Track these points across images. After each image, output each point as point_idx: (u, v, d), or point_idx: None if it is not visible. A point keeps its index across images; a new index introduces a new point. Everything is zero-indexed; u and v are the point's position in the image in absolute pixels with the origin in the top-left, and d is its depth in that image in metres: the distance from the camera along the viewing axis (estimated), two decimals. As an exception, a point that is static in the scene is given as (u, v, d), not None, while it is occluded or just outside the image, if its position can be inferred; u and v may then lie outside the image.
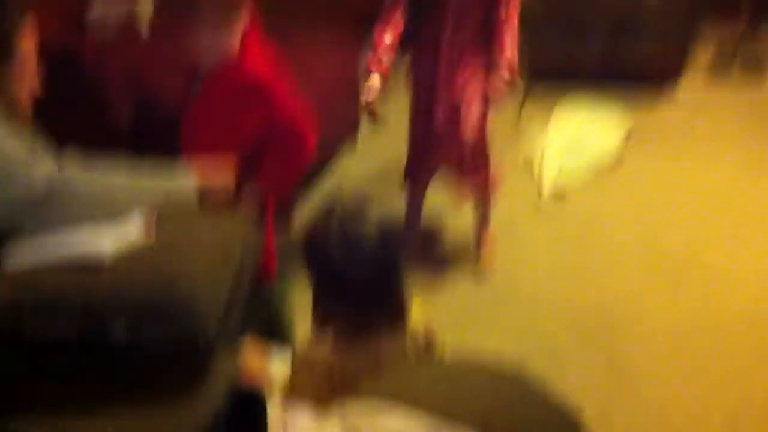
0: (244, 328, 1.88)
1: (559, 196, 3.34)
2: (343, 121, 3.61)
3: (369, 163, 3.53)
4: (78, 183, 1.71)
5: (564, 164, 3.39)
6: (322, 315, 1.60)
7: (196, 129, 2.22)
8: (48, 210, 1.66)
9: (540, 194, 3.34)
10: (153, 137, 3.09)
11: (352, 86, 3.52)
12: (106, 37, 3.35)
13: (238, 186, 2.07)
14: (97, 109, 2.97)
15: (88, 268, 1.59)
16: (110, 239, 1.64)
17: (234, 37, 2.09)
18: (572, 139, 3.46)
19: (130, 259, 1.64)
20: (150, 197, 1.79)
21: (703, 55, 4.26)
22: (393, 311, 1.59)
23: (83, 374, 1.57)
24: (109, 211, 1.72)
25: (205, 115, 2.19)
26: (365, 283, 1.55)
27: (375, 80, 2.71)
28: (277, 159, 2.18)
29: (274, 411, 1.25)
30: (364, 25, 3.35)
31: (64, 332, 1.55)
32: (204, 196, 1.93)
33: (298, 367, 1.57)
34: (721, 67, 4.16)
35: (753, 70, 4.09)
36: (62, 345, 1.55)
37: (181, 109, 2.32)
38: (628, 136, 3.57)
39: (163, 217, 1.78)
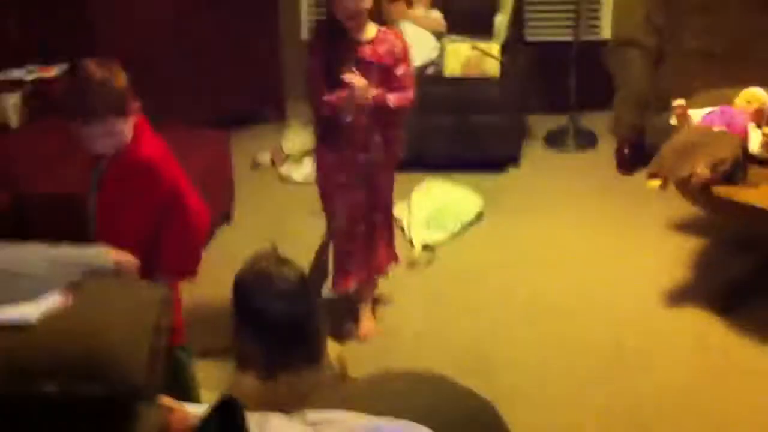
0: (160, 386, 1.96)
1: (429, 251, 3.59)
2: (216, 205, 3.79)
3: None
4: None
5: (430, 223, 3.68)
6: (239, 353, 1.73)
7: (101, 213, 2.29)
8: None
9: (412, 248, 3.59)
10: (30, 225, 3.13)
11: (221, 179, 3.80)
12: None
13: (144, 266, 2.17)
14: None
15: (15, 330, 1.66)
16: (34, 306, 1.71)
17: (126, 126, 2.21)
18: (436, 201, 3.77)
19: (55, 321, 1.72)
20: (68, 269, 1.89)
21: (540, 133, 4.80)
22: (311, 349, 1.75)
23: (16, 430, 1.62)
24: (30, 282, 1.79)
25: (106, 199, 2.29)
26: (278, 325, 1.71)
27: None
28: (178, 237, 2.29)
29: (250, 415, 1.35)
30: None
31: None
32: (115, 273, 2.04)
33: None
34: (556, 141, 4.70)
35: (583, 144, 4.69)
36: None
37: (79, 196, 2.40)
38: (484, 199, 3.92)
39: (82, 284, 1.87)
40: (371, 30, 2.81)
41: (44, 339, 1.66)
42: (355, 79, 2.72)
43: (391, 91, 2.80)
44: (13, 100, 3.55)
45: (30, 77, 3.83)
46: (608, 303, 3.17)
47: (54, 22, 4.14)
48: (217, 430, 1.21)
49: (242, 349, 1.72)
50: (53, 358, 1.65)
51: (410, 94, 2.85)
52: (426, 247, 3.58)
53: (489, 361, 2.87)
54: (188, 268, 2.38)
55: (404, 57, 2.85)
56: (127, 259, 2.09)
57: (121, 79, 2.20)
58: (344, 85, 2.74)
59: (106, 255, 2.02)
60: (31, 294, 1.77)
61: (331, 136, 2.91)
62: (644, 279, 3.32)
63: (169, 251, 2.30)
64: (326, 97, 2.78)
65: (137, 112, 2.25)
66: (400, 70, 2.82)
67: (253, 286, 1.71)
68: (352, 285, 3.01)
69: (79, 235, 2.19)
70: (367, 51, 2.79)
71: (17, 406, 1.58)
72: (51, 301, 1.76)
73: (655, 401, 2.67)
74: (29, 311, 1.68)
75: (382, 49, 2.80)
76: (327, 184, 3.00)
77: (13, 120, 3.52)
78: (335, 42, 2.79)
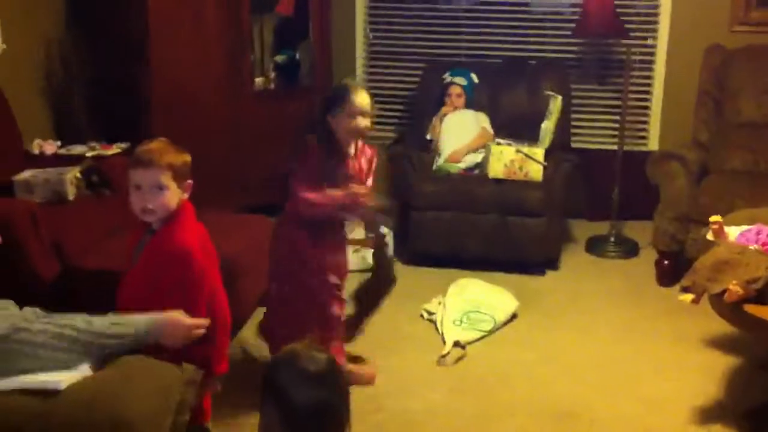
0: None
1: (460, 351, 3.61)
2: (256, 285, 3.89)
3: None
4: (35, 329, 1.89)
5: (464, 321, 3.70)
6: None
7: (130, 291, 2.38)
8: (3, 352, 1.81)
9: (444, 348, 3.61)
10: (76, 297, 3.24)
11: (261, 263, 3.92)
12: (32, 199, 3.54)
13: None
14: (20, 272, 3.08)
15: (45, 395, 1.74)
16: (64, 374, 1.79)
17: (175, 193, 2.31)
18: (471, 299, 3.79)
19: (82, 390, 1.80)
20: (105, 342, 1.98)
21: (581, 238, 4.85)
22: None
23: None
24: (57, 358, 1.88)
25: (137, 275, 2.38)
26: (306, 411, 1.74)
27: None
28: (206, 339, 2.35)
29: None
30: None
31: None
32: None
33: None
34: (597, 248, 4.74)
35: (624, 253, 4.72)
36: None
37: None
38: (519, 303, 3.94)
39: (113, 357, 1.95)
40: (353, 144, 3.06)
41: (70, 406, 1.73)
42: (361, 189, 2.99)
43: None
44: (72, 173, 3.71)
45: (90, 153, 4.02)
46: (636, 416, 3.13)
47: (117, 106, 4.38)
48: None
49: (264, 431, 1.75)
50: (77, 426, 1.71)
51: None
52: (457, 344, 3.60)
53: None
54: (211, 365, 2.39)
55: (374, 169, 3.15)
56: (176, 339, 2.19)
57: (183, 153, 2.37)
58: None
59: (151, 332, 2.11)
60: (54, 363, 1.86)
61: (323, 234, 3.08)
62: (674, 394, 3.27)
63: (193, 348, 2.29)
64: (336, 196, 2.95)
65: (187, 191, 2.37)
66: (369, 181, 3.10)
67: (285, 370, 1.75)
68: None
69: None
70: (352, 164, 3.04)
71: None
72: (81, 371, 1.84)
73: None
74: (59, 378, 1.76)
75: (363, 161, 3.08)
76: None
77: (70, 193, 3.67)
78: (331, 157, 2.98)
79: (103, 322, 2.04)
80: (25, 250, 3.07)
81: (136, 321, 2.11)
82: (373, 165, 3.12)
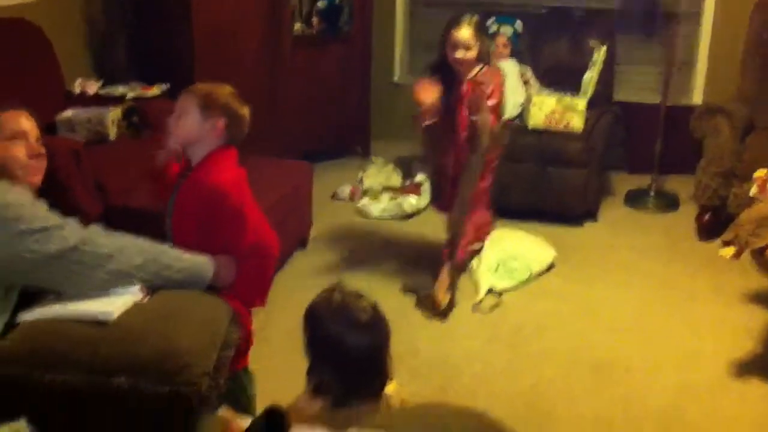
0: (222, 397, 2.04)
1: (494, 298, 3.61)
2: (294, 231, 3.92)
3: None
4: (100, 244, 1.93)
5: (499, 270, 3.70)
6: (315, 380, 1.80)
7: (175, 233, 2.40)
8: (72, 264, 1.86)
9: (477, 294, 3.61)
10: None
11: (300, 207, 3.94)
12: (75, 138, 3.57)
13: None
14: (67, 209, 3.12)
15: (96, 325, 1.77)
16: (116, 302, 1.83)
17: (199, 121, 2.29)
18: (507, 248, 3.78)
19: (132, 320, 1.83)
20: (161, 268, 2.02)
21: (620, 191, 4.81)
22: (380, 381, 1.82)
23: (87, 419, 1.71)
24: (118, 272, 1.92)
25: (178, 219, 2.39)
26: (356, 355, 1.78)
27: None
28: (248, 271, 2.34)
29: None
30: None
31: (72, 380, 1.70)
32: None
33: (292, 421, 1.75)
34: (636, 201, 4.69)
35: (664, 207, 4.66)
36: (69, 391, 1.70)
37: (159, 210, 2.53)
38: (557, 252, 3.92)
39: (160, 288, 1.98)
40: (475, 69, 3.45)
41: (121, 336, 1.77)
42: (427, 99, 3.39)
43: None
44: (113, 114, 3.74)
45: (131, 94, 4.03)
46: (672, 369, 3.13)
47: (160, 47, 4.37)
48: (262, 432, 1.27)
49: (316, 377, 1.78)
50: (127, 356, 1.74)
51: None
52: (490, 292, 3.60)
53: (543, 413, 2.86)
54: (254, 299, 2.41)
55: (498, 91, 3.45)
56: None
57: (225, 88, 2.37)
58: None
59: (208, 268, 2.15)
60: (117, 278, 1.91)
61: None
62: (711, 348, 3.26)
63: (236, 282, 2.32)
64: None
65: (217, 130, 2.33)
66: (492, 101, 3.40)
67: (332, 318, 1.78)
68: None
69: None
70: (465, 90, 3.41)
71: (91, 394, 1.68)
72: (131, 298, 1.88)
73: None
74: (110, 307, 1.79)
75: (480, 86, 3.39)
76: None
77: (112, 133, 3.70)
78: (447, 80, 3.44)
79: (164, 249, 2.09)
80: (69, 187, 3.10)
81: (195, 257, 2.15)
82: (492, 86, 3.40)
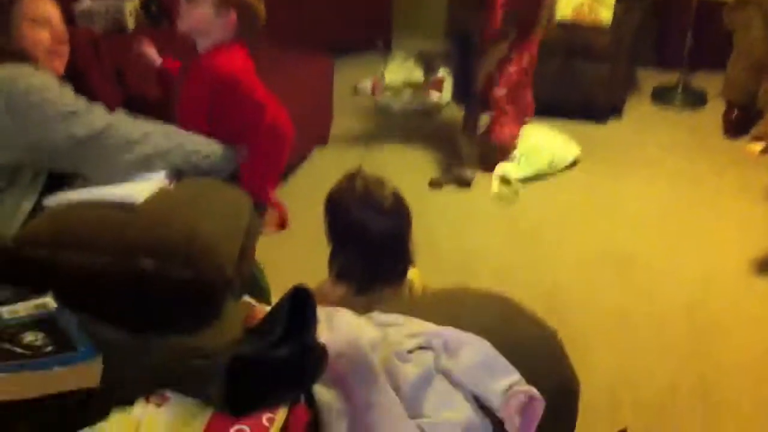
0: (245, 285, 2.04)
1: (513, 192, 3.59)
2: (313, 126, 3.88)
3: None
4: (128, 127, 1.92)
5: (521, 160, 3.66)
6: (339, 266, 1.81)
7: (184, 120, 2.36)
8: (101, 147, 1.86)
9: (498, 187, 3.60)
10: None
11: (320, 101, 3.88)
12: (93, 28, 3.52)
13: None
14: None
15: (122, 209, 1.77)
16: (142, 187, 1.82)
17: (210, 15, 2.22)
18: (530, 140, 3.73)
19: (158, 204, 1.82)
20: (186, 154, 2.01)
21: (647, 87, 4.70)
22: (403, 266, 1.83)
23: (113, 301, 1.72)
24: (147, 155, 1.92)
25: (188, 106, 2.36)
26: (380, 240, 1.78)
27: None
28: (264, 153, 2.33)
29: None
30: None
31: (98, 261, 1.71)
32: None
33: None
34: (663, 97, 4.59)
35: (691, 103, 4.56)
36: (94, 273, 1.70)
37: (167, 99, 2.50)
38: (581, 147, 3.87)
39: (183, 174, 1.98)
40: None
41: (147, 219, 1.76)
42: None
43: None
44: (131, 4, 3.67)
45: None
46: (692, 264, 3.12)
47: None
48: (287, 314, 1.28)
49: (340, 263, 1.79)
50: (153, 239, 1.74)
51: None
52: (504, 181, 3.57)
53: (561, 302, 2.87)
54: (266, 183, 2.38)
55: None
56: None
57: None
58: None
59: (231, 155, 2.13)
60: (144, 163, 1.91)
61: None
62: (736, 244, 3.24)
63: (251, 166, 2.30)
64: None
65: (228, 25, 2.27)
66: None
67: (359, 204, 1.77)
68: None
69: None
70: None
71: (117, 276, 1.69)
72: (156, 183, 1.87)
73: (727, 370, 2.60)
74: (136, 192, 1.79)
75: None
76: None
77: (130, 23, 3.64)
78: None
79: (189, 136, 2.08)
80: (88, 77, 3.06)
81: (219, 144, 2.15)
82: None
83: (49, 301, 1.25)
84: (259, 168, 2.31)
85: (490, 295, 1.59)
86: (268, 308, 2.03)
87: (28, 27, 2.03)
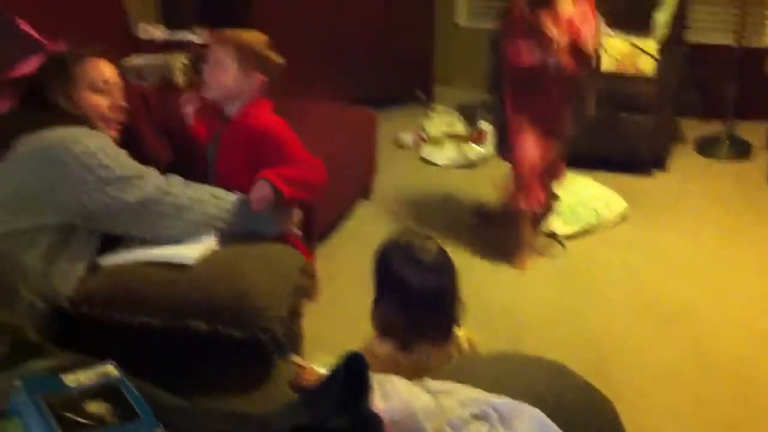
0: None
1: (555, 240, 3.57)
2: (357, 179, 3.90)
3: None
4: (179, 194, 1.96)
5: (566, 215, 3.64)
6: (382, 321, 1.81)
7: (224, 179, 2.40)
8: (152, 213, 1.89)
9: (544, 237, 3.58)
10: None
11: (364, 155, 3.92)
12: (143, 84, 3.60)
13: None
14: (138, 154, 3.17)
15: (175, 269, 1.79)
16: (195, 247, 1.85)
17: (237, 75, 2.28)
18: (575, 194, 3.71)
19: (209, 265, 1.85)
20: (234, 217, 2.04)
21: (691, 138, 4.67)
22: (448, 324, 1.82)
23: (166, 362, 1.74)
24: (197, 222, 1.95)
25: (222, 164, 2.39)
26: (422, 296, 1.78)
27: None
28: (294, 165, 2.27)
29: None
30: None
31: (152, 321, 1.73)
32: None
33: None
34: (708, 148, 4.56)
35: (736, 154, 4.51)
36: (148, 332, 1.73)
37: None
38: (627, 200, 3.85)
39: (237, 236, 2.00)
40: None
41: (199, 280, 1.79)
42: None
43: None
44: (180, 60, 3.74)
45: (197, 40, 4.03)
46: (745, 318, 3.06)
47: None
48: (342, 382, 1.28)
49: (384, 319, 1.79)
50: (205, 300, 1.77)
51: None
52: (552, 236, 3.55)
53: (610, 355, 2.83)
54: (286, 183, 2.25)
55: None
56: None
57: (260, 38, 2.33)
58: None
59: (276, 220, 2.15)
60: (193, 227, 1.93)
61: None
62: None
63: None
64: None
65: (257, 83, 2.31)
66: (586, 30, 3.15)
67: (401, 259, 1.78)
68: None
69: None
70: (560, 13, 3.09)
71: (169, 337, 1.71)
72: (207, 243, 1.90)
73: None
74: (188, 253, 1.81)
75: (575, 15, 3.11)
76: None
77: (180, 79, 3.71)
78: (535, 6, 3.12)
79: (236, 197, 2.09)
80: (139, 132, 3.11)
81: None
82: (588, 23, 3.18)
83: (110, 369, 1.26)
84: (284, 169, 2.22)
85: (542, 361, 1.57)
86: (315, 367, 2.04)
87: (87, 92, 2.09)
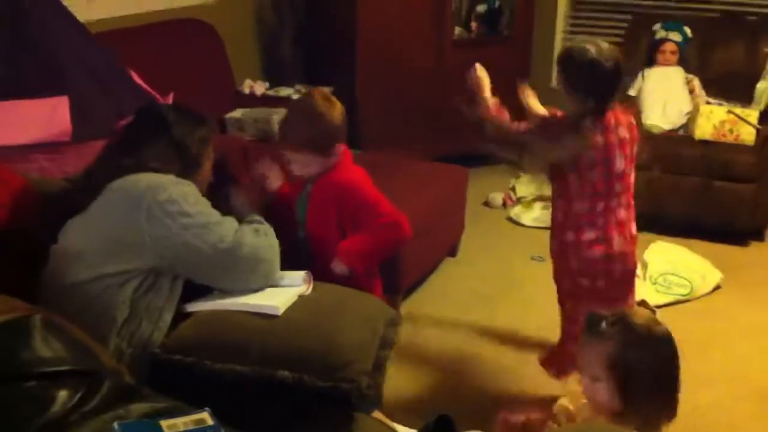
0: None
1: (652, 311, 3.47)
2: (445, 238, 3.91)
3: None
4: (252, 246, 1.98)
5: (659, 283, 3.57)
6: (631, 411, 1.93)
7: (316, 234, 2.48)
8: (228, 261, 1.94)
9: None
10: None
11: (453, 212, 3.93)
12: (243, 136, 3.74)
13: None
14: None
15: (264, 317, 1.84)
16: (283, 295, 1.89)
17: (324, 161, 2.40)
18: (670, 263, 3.63)
19: (296, 314, 1.89)
20: None
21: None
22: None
23: (252, 409, 1.77)
24: (265, 278, 1.99)
25: (312, 218, 2.47)
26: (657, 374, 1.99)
27: None
28: (371, 233, 2.39)
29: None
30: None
31: (241, 370, 1.77)
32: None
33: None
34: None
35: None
36: (237, 381, 1.76)
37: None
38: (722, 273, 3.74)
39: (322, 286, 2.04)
40: None
41: (287, 330, 1.83)
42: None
43: None
44: (278, 114, 3.86)
45: (296, 95, 4.16)
46: None
47: (324, 49, 4.49)
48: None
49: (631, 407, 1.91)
50: (292, 350, 1.80)
51: None
52: (642, 304, 3.46)
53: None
54: (360, 260, 2.40)
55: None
56: None
57: (336, 116, 2.38)
58: None
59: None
60: (265, 282, 1.98)
61: None
62: None
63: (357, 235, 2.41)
64: None
65: (335, 154, 2.40)
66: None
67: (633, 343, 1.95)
68: None
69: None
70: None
71: (257, 385, 1.74)
72: (296, 290, 1.94)
73: None
74: (277, 300, 1.86)
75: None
76: None
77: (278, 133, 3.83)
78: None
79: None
80: (238, 183, 3.21)
81: None
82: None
83: (206, 417, 1.29)
84: (359, 240, 2.38)
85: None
86: (397, 426, 2.04)
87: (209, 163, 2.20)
